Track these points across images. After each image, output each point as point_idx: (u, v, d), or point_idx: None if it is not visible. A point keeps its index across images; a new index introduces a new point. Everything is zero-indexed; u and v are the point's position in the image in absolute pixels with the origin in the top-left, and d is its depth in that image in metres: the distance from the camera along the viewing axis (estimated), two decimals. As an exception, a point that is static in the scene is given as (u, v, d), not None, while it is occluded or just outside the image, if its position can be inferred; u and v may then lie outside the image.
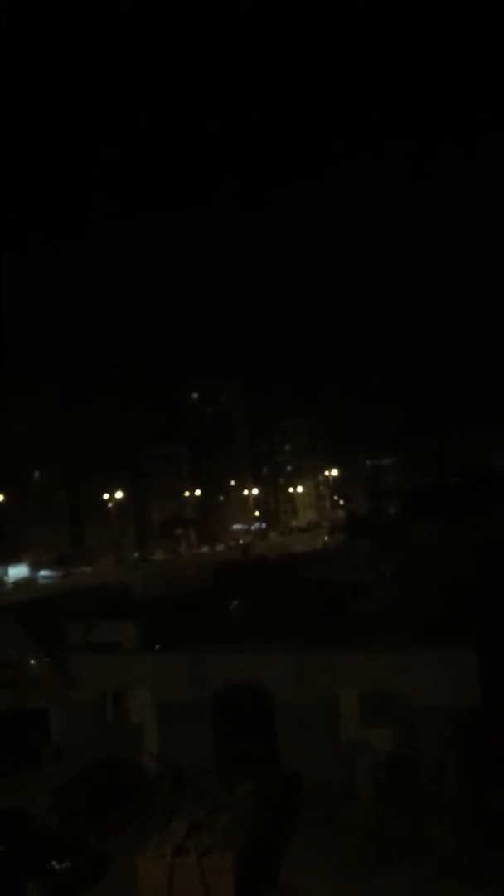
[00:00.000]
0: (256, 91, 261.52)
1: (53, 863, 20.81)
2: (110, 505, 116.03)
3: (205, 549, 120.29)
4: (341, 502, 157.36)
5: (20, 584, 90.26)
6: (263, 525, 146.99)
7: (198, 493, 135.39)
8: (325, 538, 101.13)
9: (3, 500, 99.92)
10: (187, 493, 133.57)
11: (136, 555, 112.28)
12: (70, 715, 28.48)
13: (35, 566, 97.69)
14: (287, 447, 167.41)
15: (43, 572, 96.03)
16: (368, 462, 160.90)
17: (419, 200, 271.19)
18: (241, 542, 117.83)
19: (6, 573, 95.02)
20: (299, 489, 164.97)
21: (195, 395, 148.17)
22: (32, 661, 29.24)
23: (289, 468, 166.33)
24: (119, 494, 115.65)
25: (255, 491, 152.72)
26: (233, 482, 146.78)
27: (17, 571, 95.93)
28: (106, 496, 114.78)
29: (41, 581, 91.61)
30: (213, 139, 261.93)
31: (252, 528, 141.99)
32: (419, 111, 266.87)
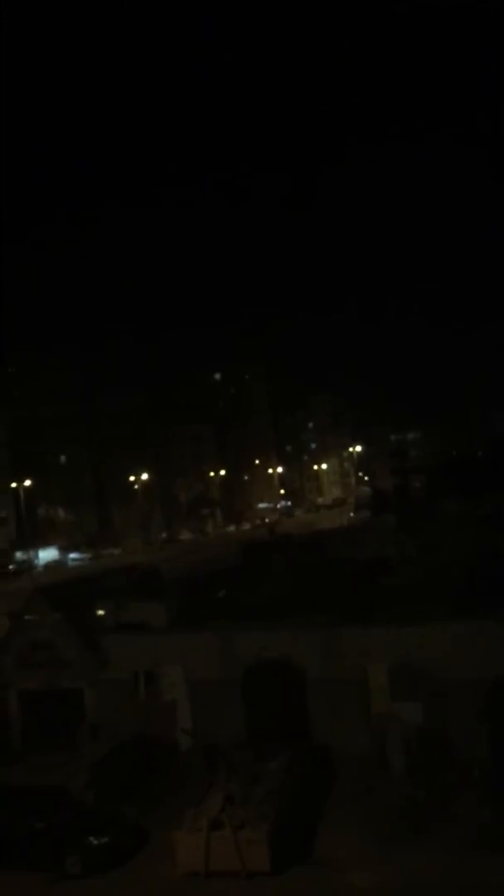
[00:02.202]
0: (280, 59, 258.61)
1: (91, 838, 21.28)
2: (136, 486, 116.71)
3: (231, 528, 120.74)
4: (366, 478, 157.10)
5: (50, 566, 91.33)
6: (289, 503, 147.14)
7: (223, 472, 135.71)
8: (351, 514, 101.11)
9: (31, 485, 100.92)
10: (212, 473, 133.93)
11: (163, 535, 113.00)
12: (103, 694, 28.91)
13: (64, 549, 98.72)
14: (311, 424, 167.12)
15: (72, 554, 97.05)
16: (393, 437, 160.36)
17: (442, 177, 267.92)
18: (267, 520, 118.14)
19: (36, 556, 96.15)
20: (324, 466, 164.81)
21: (217, 375, 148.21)
22: (65, 642, 29.67)
23: (313, 445, 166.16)
24: (145, 476, 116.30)
25: (279, 469, 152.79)
26: (257, 461, 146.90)
27: (47, 554, 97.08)
28: (132, 478, 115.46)
29: (70, 563, 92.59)
30: (231, 117, 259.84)
31: (278, 506, 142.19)
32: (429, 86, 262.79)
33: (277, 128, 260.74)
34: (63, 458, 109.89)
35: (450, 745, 24.30)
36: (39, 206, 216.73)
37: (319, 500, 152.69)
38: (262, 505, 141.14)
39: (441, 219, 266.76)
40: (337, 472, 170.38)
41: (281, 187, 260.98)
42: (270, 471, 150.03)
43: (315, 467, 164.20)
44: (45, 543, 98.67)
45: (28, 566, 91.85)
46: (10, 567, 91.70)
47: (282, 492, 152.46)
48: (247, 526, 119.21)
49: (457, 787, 22.67)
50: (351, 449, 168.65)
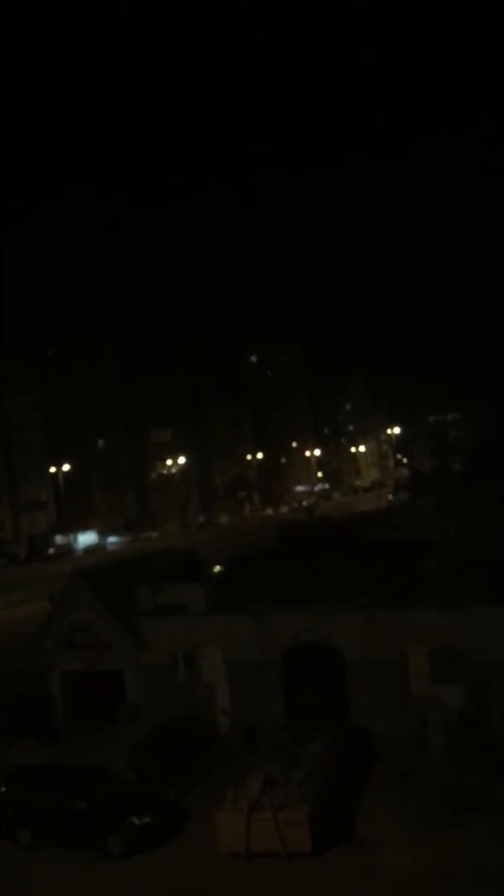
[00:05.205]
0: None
1: (133, 817, 21.49)
2: (174, 470, 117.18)
3: (268, 511, 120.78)
4: (405, 460, 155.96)
5: (89, 549, 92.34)
6: (327, 486, 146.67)
7: (260, 455, 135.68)
8: (390, 497, 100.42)
9: (69, 469, 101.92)
10: (249, 456, 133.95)
11: (200, 518, 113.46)
12: (143, 675, 29.15)
13: (102, 532, 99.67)
14: (348, 406, 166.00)
15: (110, 538, 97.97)
16: (431, 418, 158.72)
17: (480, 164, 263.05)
18: (304, 503, 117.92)
19: (75, 539, 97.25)
20: (362, 448, 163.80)
21: (254, 358, 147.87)
22: (105, 624, 29.91)
23: (350, 427, 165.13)
24: (182, 459, 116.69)
25: (317, 452, 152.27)
26: (294, 444, 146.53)
27: (87, 538, 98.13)
28: (169, 461, 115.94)
29: (109, 546, 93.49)
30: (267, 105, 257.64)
31: (315, 488, 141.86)
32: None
33: (322, 113, 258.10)
34: (101, 443, 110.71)
35: (491, 729, 24.08)
36: (84, 196, 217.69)
37: (357, 483, 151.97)
38: (299, 488, 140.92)
39: (479, 201, 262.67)
40: (375, 454, 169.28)
41: (315, 171, 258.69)
42: (308, 453, 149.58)
43: (353, 449, 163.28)
44: (84, 527, 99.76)
45: (68, 549, 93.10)
46: (51, 550, 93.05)
47: (319, 474, 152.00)
48: (284, 509, 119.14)
49: (497, 771, 22.48)
50: (389, 431, 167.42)
